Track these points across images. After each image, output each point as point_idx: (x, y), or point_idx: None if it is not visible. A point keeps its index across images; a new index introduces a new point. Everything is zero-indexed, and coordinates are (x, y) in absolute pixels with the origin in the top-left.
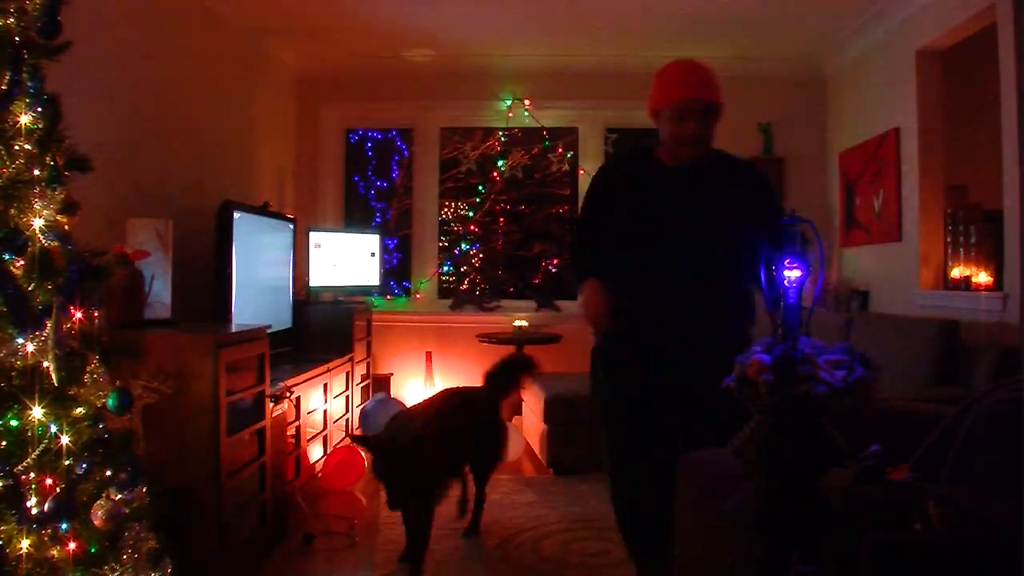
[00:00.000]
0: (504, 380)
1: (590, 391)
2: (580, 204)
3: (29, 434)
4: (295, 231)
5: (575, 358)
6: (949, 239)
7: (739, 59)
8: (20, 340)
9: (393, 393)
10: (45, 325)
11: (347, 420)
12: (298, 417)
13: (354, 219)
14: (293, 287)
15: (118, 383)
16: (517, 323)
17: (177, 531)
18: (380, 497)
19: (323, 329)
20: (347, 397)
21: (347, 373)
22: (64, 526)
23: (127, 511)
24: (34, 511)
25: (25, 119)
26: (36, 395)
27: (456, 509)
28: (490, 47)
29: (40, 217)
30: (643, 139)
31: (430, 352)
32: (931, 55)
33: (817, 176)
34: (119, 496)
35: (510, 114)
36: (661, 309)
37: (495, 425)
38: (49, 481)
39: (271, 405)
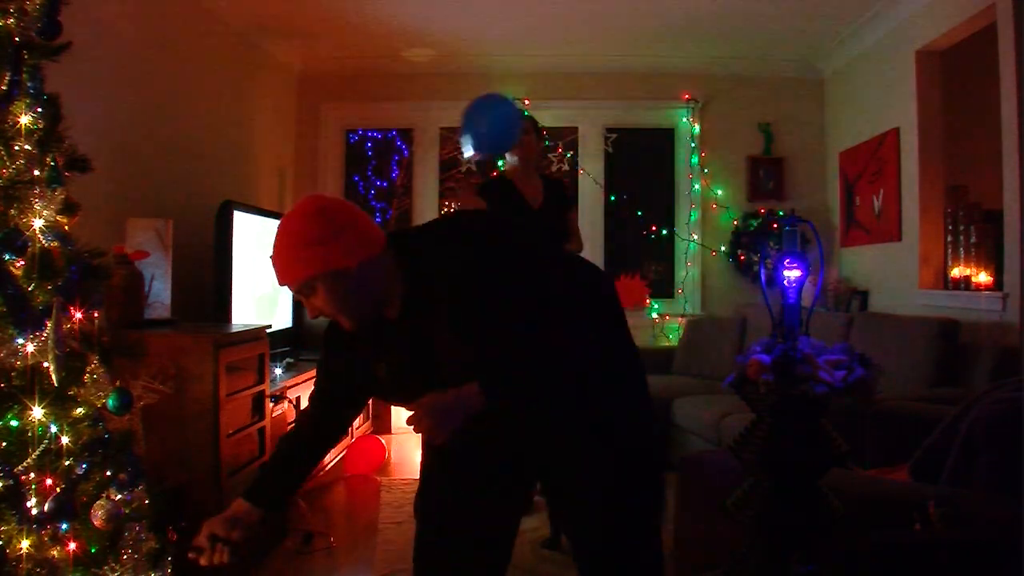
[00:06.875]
0: None
1: None
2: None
3: (29, 434)
4: None
5: None
6: (949, 239)
7: (739, 59)
8: (20, 340)
9: None
10: (45, 325)
11: None
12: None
13: None
14: None
15: (118, 383)
16: None
17: (177, 531)
18: (380, 497)
19: (323, 329)
20: None
21: None
22: (64, 526)
23: (127, 511)
24: (34, 511)
25: (25, 119)
26: (36, 395)
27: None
28: (490, 47)
29: (40, 217)
30: (643, 139)
31: None
32: (931, 55)
33: (817, 176)
34: (119, 496)
35: None
36: None
37: None
38: (49, 481)
39: (271, 405)
